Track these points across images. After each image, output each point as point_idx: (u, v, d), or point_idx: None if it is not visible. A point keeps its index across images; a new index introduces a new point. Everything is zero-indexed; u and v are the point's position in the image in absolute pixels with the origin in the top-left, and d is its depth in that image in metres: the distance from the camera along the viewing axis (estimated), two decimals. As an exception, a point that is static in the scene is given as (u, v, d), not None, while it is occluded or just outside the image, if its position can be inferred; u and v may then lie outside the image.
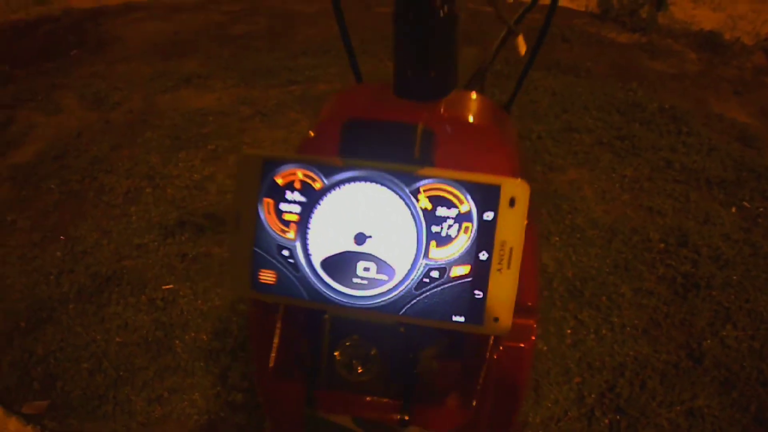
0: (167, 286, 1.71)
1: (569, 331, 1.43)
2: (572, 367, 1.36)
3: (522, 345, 0.48)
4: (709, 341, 1.41)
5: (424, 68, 0.52)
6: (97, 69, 3.03)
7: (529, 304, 0.48)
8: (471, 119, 0.53)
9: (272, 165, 0.43)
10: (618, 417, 1.28)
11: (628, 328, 1.43)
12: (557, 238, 1.65)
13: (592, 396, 1.31)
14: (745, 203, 1.74)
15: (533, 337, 0.49)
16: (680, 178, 1.79)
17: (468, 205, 0.40)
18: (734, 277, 1.55)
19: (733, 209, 1.72)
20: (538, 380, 1.35)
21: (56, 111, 2.75)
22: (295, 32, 3.12)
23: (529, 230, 0.46)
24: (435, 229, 0.41)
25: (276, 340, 0.48)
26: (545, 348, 1.40)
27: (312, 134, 0.51)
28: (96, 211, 2.06)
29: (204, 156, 2.20)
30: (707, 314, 1.47)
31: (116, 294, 1.70)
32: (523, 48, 0.75)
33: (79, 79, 2.96)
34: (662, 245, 1.61)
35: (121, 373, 1.52)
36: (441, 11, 0.50)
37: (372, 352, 0.44)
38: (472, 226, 0.40)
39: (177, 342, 1.56)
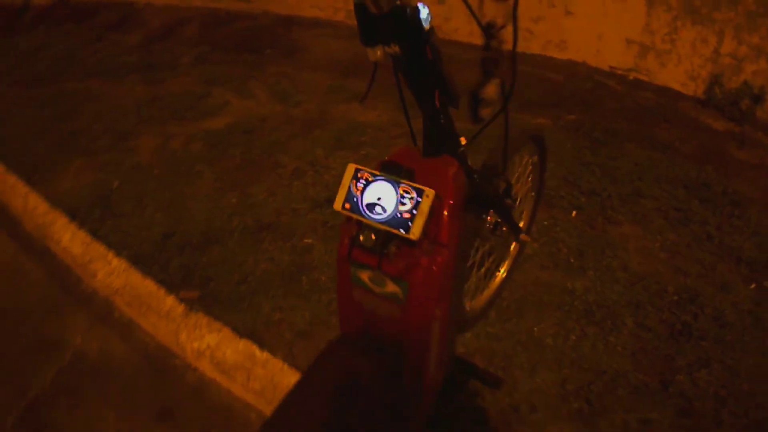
0: (307, 240, 2.40)
1: (573, 338, 1.90)
2: (565, 362, 1.83)
3: (439, 259, 1.07)
4: (682, 377, 1.78)
5: (431, 145, 1.16)
6: (286, 71, 3.80)
7: (444, 241, 1.09)
8: (439, 165, 1.14)
9: (358, 170, 1.08)
10: (585, 405, 1.72)
11: (620, 348, 1.86)
12: (592, 273, 2.13)
13: (572, 385, 1.77)
14: (765, 283, 2.11)
15: (441, 258, 1.07)
16: (714, 251, 2.13)
17: (414, 195, 1.02)
18: (727, 337, 1.89)
19: (753, 285, 2.04)
20: (537, 363, 1.90)
21: (248, 96, 3.56)
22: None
23: (453, 215, 1.10)
24: (401, 200, 1.03)
25: (350, 233, 1.15)
26: (551, 343, 1.96)
27: (387, 158, 1.20)
28: (268, 178, 2.78)
29: (357, 158, 2.84)
30: (690, 357, 1.83)
31: (270, 237, 2.42)
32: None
33: (271, 76, 3.75)
34: (675, 297, 2.00)
35: (259, 288, 2.22)
36: (441, 120, 1.13)
37: (373, 237, 1.05)
38: (413, 202, 1.02)
39: (304, 278, 2.22)
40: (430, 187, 1.05)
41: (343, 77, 3.68)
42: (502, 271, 2.07)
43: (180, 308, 2.18)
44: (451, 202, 1.11)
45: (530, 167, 1.94)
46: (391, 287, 1.14)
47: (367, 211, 1.08)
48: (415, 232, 1.04)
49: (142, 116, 3.61)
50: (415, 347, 1.22)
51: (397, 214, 1.05)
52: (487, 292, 2.01)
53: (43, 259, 2.81)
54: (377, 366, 1.19)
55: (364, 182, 1.09)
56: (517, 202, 1.91)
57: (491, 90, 1.12)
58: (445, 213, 1.10)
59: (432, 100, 1.10)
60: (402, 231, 1.05)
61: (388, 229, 1.06)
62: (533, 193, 2.07)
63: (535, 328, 1.97)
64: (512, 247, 2.09)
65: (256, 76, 3.81)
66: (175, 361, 2.16)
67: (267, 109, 3.42)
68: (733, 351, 1.88)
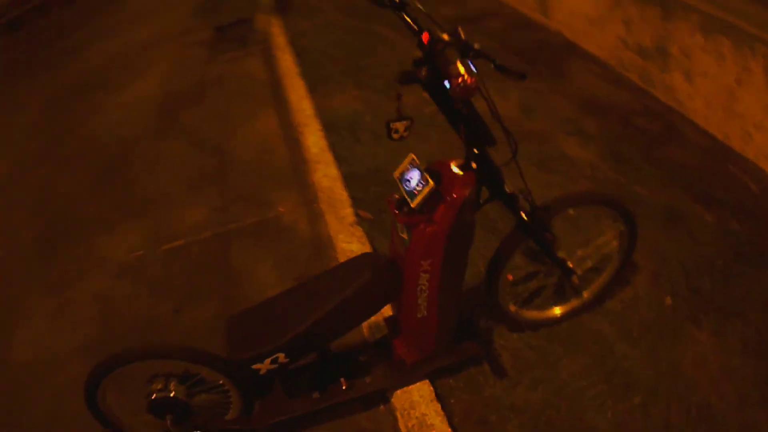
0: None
1: (584, 383, 2.15)
2: (562, 394, 2.13)
3: (429, 229, 1.64)
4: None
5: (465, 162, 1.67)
6: (540, 88, 4.11)
7: (436, 221, 1.62)
8: (460, 177, 1.66)
9: (413, 159, 1.66)
10: (545, 428, 2.03)
11: (611, 414, 2.04)
12: (641, 348, 2.26)
13: (551, 412, 2.08)
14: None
15: (431, 229, 1.63)
16: (765, 396, 2.11)
17: (425, 183, 1.58)
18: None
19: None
20: (542, 382, 2.18)
21: (501, 97, 4.11)
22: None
23: (448, 207, 1.62)
24: (419, 183, 1.60)
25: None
26: (564, 376, 2.19)
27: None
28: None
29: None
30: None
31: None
32: None
33: (527, 85, 4.05)
34: (693, 409, 2.04)
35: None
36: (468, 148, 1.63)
37: (397, 197, 1.68)
38: (422, 187, 1.58)
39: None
40: (443, 187, 1.61)
41: (581, 113, 3.85)
42: (557, 309, 2.40)
43: (350, 218, 2.94)
44: (449, 199, 1.64)
45: (616, 233, 2.18)
46: (405, 235, 1.73)
47: (404, 183, 1.66)
48: (413, 203, 1.61)
49: (419, 74, 4.32)
50: (407, 284, 1.79)
51: (414, 190, 1.62)
52: (537, 314, 2.39)
53: (289, 145, 3.77)
54: (377, 281, 1.80)
55: (411, 167, 1.66)
56: (588, 254, 2.20)
57: (400, 125, 1.66)
58: (443, 205, 1.64)
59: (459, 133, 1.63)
60: (409, 199, 1.62)
61: (405, 196, 1.64)
62: (615, 260, 2.31)
63: (563, 360, 2.28)
64: (573, 300, 2.37)
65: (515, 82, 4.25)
66: (329, 252, 2.95)
67: (506, 113, 3.88)
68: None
